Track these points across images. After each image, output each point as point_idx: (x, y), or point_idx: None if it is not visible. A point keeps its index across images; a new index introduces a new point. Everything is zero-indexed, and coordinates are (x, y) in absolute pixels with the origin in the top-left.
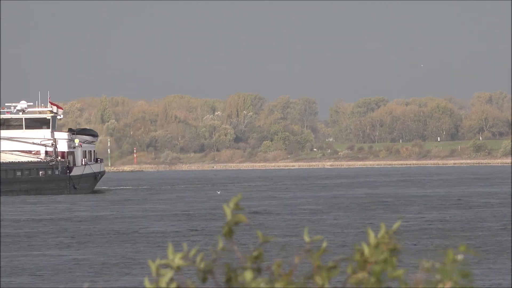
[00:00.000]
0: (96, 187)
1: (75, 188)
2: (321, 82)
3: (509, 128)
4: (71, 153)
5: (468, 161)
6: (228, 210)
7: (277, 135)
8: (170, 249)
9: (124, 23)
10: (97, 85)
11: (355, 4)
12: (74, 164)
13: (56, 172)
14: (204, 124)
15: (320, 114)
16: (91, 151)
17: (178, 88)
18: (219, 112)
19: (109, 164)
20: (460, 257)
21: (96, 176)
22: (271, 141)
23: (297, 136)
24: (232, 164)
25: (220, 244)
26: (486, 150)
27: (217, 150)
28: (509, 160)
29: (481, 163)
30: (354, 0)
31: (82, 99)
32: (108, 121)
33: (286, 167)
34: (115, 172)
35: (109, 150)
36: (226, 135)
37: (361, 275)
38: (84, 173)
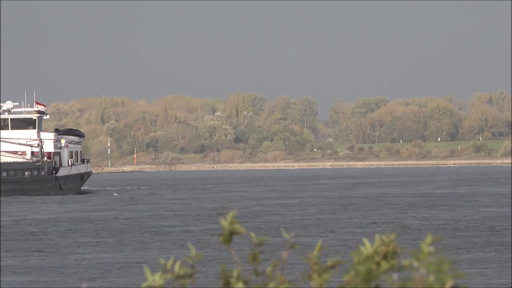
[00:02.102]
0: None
1: (61, 188)
2: (321, 82)
3: (509, 129)
4: (58, 153)
5: (468, 161)
6: (225, 223)
7: (277, 135)
8: (147, 271)
9: (124, 23)
10: (97, 85)
11: (355, 4)
12: (61, 165)
13: (42, 173)
14: (204, 124)
15: (320, 114)
16: (77, 151)
17: (178, 88)
18: (219, 113)
19: (109, 165)
20: (431, 248)
21: (83, 177)
22: (271, 141)
23: (297, 137)
24: (232, 165)
25: (193, 252)
26: (486, 151)
27: (217, 151)
28: (509, 161)
29: (481, 164)
30: (354, 0)
31: (82, 99)
32: (108, 122)
33: (287, 168)
34: (115, 172)
35: (109, 151)
36: (226, 136)
37: (347, 277)
38: (70, 173)
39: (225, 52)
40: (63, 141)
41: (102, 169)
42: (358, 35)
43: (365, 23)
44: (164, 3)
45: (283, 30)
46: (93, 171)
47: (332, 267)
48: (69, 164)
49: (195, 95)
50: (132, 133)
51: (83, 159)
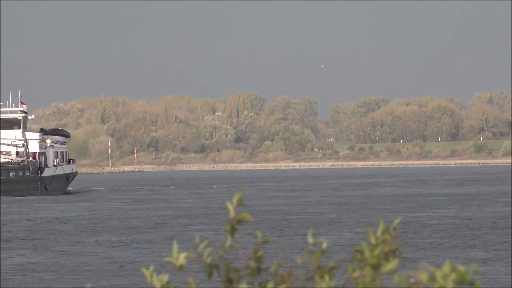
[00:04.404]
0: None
1: (46, 189)
2: (321, 82)
3: (510, 128)
4: (43, 153)
5: (469, 161)
6: (231, 207)
7: (277, 135)
8: (175, 247)
9: (124, 23)
10: (97, 85)
11: (355, 4)
12: (46, 165)
13: (27, 173)
14: (204, 124)
15: (321, 114)
16: (63, 151)
17: (179, 88)
18: (219, 113)
19: (110, 164)
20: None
21: (68, 177)
22: (272, 141)
23: (298, 137)
24: (232, 165)
25: (229, 241)
26: (487, 150)
27: (218, 151)
28: (509, 160)
29: (482, 163)
30: (354, 0)
31: (82, 99)
32: (108, 121)
33: (287, 167)
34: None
35: (109, 150)
36: (226, 136)
37: (356, 273)
38: (56, 174)
39: (225, 52)
40: (48, 141)
41: (103, 169)
42: (358, 35)
43: (366, 23)
44: (164, 3)
45: (283, 30)
46: (93, 171)
47: (333, 268)
48: (55, 164)
49: (195, 95)
50: (132, 133)
51: (69, 159)
